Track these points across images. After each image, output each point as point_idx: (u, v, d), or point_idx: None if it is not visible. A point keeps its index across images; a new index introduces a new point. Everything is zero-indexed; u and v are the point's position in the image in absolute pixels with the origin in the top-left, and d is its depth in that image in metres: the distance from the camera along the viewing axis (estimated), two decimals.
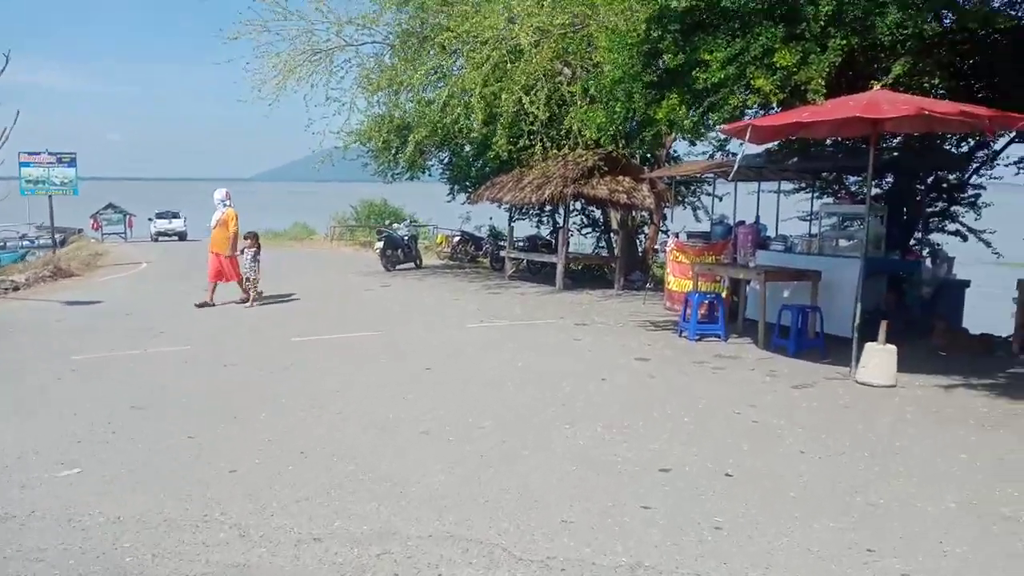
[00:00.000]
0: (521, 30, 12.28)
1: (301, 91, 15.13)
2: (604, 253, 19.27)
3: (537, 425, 5.88)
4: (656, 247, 17.16)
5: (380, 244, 18.87)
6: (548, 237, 19.72)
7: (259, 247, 12.60)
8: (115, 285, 16.67)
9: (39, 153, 21.91)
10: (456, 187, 19.74)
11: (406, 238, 19.67)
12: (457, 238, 22.87)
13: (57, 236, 47.59)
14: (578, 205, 19.62)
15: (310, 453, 5.27)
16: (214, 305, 12.20)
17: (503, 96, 12.86)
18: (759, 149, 11.03)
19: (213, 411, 6.36)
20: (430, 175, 19.70)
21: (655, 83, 9.16)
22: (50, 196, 22.18)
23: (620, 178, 15.18)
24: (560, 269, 15.19)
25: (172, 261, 24.25)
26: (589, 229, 20.43)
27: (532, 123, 13.46)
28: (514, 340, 9.52)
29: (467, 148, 16.62)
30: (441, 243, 23.95)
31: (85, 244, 40.75)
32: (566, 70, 13.55)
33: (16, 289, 15.93)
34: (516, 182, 15.75)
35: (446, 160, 19.67)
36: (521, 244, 19.59)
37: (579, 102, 12.41)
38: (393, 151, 15.75)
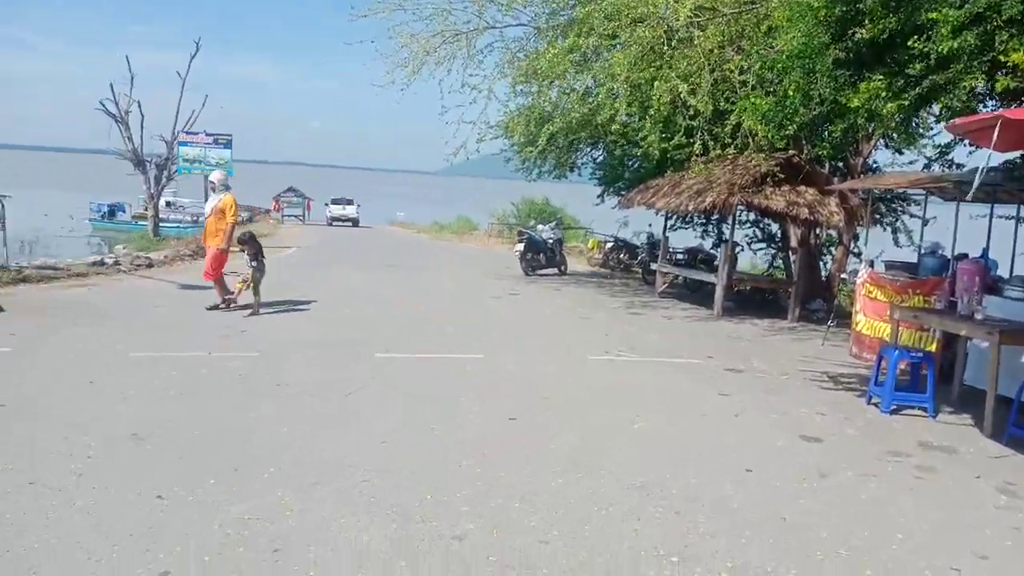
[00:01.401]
0: (682, 7, 10.06)
1: (441, 76, 13.60)
2: (779, 274, 16.52)
3: (626, 561, 3.81)
4: (844, 274, 14.27)
5: (520, 246, 17.16)
6: (711, 251, 17.20)
7: (259, 248, 10.59)
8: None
9: (197, 133, 22.08)
10: (608, 189, 17.64)
11: (550, 241, 17.84)
12: (609, 244, 20.75)
13: (246, 214, 50.58)
14: (751, 216, 16.98)
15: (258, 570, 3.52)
16: (228, 306, 10.51)
17: (656, 84, 10.66)
18: (999, 158, 8.21)
19: (201, 458, 4.80)
20: (579, 175, 17.75)
21: (848, 60, 6.72)
22: (206, 176, 22.31)
23: (801, 188, 12.55)
24: (720, 291, 12.77)
25: (323, 249, 23.82)
26: (763, 245, 17.63)
27: (692, 117, 11.17)
28: (639, 387, 7.39)
29: (619, 146, 14.47)
30: (593, 249, 21.92)
31: (262, 224, 42.51)
32: (737, 57, 11.11)
33: (149, 266, 15.65)
34: (673, 186, 13.49)
35: (599, 159, 17.64)
36: (680, 256, 17.22)
37: (748, 92, 9.97)
38: (538, 147, 13.93)
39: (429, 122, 13.49)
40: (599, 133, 14.14)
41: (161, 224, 29.26)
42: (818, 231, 14.62)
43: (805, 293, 13.34)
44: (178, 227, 36.76)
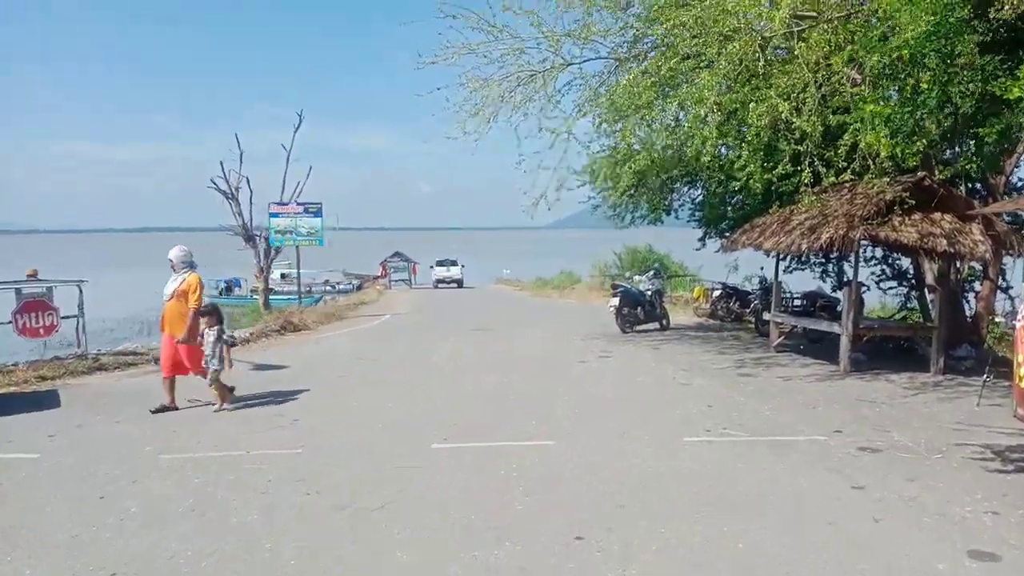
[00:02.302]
0: (777, 14, 8.66)
1: (517, 121, 12.57)
2: (914, 318, 14.42)
3: None
4: (995, 314, 12.14)
5: (615, 301, 15.77)
6: (833, 294, 15.26)
7: (222, 322, 8.88)
8: (327, 344, 15.37)
9: (287, 203, 22.04)
10: (709, 231, 16.06)
11: (648, 293, 16.37)
12: (717, 292, 19.02)
13: (356, 282, 51.61)
14: (877, 252, 15.00)
15: None
16: (176, 408, 8.73)
17: (752, 106, 9.22)
18: None
19: None
20: (677, 217, 16.27)
21: (998, 40, 5.15)
22: (297, 247, 22.20)
23: (936, 216, 10.68)
24: (845, 343, 10.95)
25: (417, 314, 23.17)
26: (893, 284, 15.51)
27: (798, 141, 9.63)
28: (747, 483, 5.86)
29: (717, 182, 12.96)
30: (699, 298, 20.21)
31: (371, 290, 43.00)
32: (849, 71, 9.52)
33: (232, 345, 15.18)
34: (782, 223, 11.87)
35: (697, 199, 16.13)
36: (796, 303, 15.37)
37: (865, 104, 8.35)
38: (620, 188, 12.68)
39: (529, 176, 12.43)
40: (693, 169, 12.74)
41: (273, 296, 30.01)
42: (959, 264, 12.57)
43: (948, 338, 11.32)
44: (287, 299, 37.52)
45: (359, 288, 46.37)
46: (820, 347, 12.75)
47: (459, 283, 45.62)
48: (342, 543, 4.75)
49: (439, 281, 45.72)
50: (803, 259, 16.20)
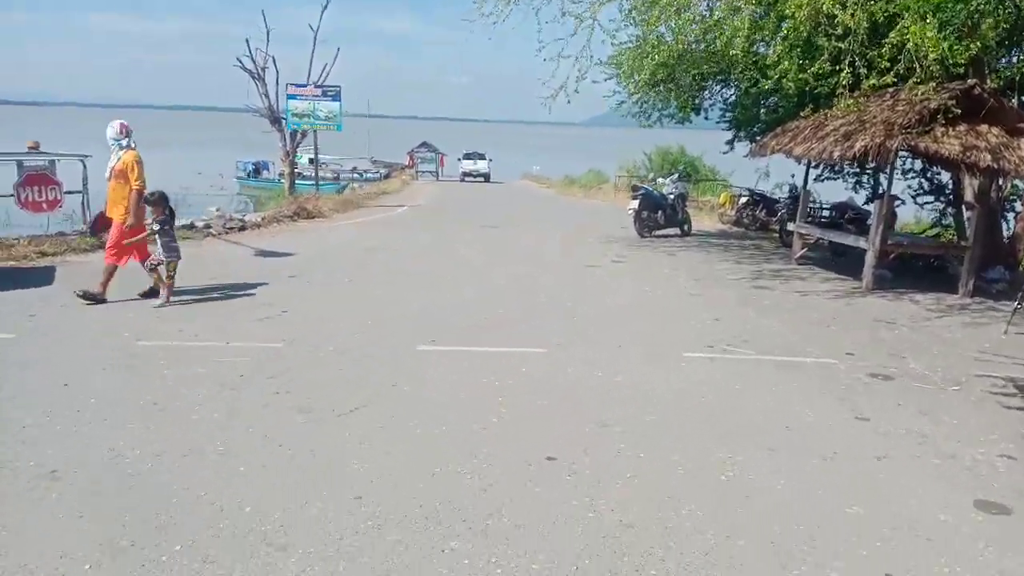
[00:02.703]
0: None
1: (540, 4, 11.65)
2: (948, 236, 13.68)
3: None
4: None
5: (634, 204, 15.12)
6: (864, 207, 14.49)
7: (171, 214, 8.27)
8: (340, 233, 15.03)
9: (305, 86, 21.26)
10: (739, 134, 15.19)
11: (671, 197, 15.68)
12: (744, 199, 18.24)
13: (384, 171, 51.07)
14: (916, 164, 14.13)
15: None
16: (104, 300, 7.99)
17: None
18: None
19: (112, 510, 3.45)
20: (706, 118, 15.36)
21: None
22: (315, 131, 21.59)
23: (983, 128, 9.82)
24: (870, 259, 10.34)
25: (436, 207, 22.70)
26: (930, 199, 14.67)
27: (840, 38, 8.75)
28: (742, 406, 5.47)
29: (749, 80, 12.01)
30: (725, 204, 19.44)
31: (397, 179, 42.48)
32: None
33: (242, 229, 14.91)
34: (815, 129, 11.06)
35: (730, 99, 15.18)
36: (825, 214, 14.66)
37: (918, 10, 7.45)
38: (641, 79, 11.84)
39: (549, 65, 11.63)
40: (726, 66, 11.82)
41: (300, 181, 29.55)
42: (1001, 182, 11.74)
43: (982, 259, 10.66)
44: (313, 184, 37.13)
45: (386, 177, 45.72)
46: (845, 261, 12.14)
47: (486, 177, 44.87)
48: (299, 449, 4.46)
49: (466, 174, 45.01)
50: (837, 168, 15.36)
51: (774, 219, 17.24)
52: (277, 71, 22.58)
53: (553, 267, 11.12)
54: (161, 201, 8.19)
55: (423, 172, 49.06)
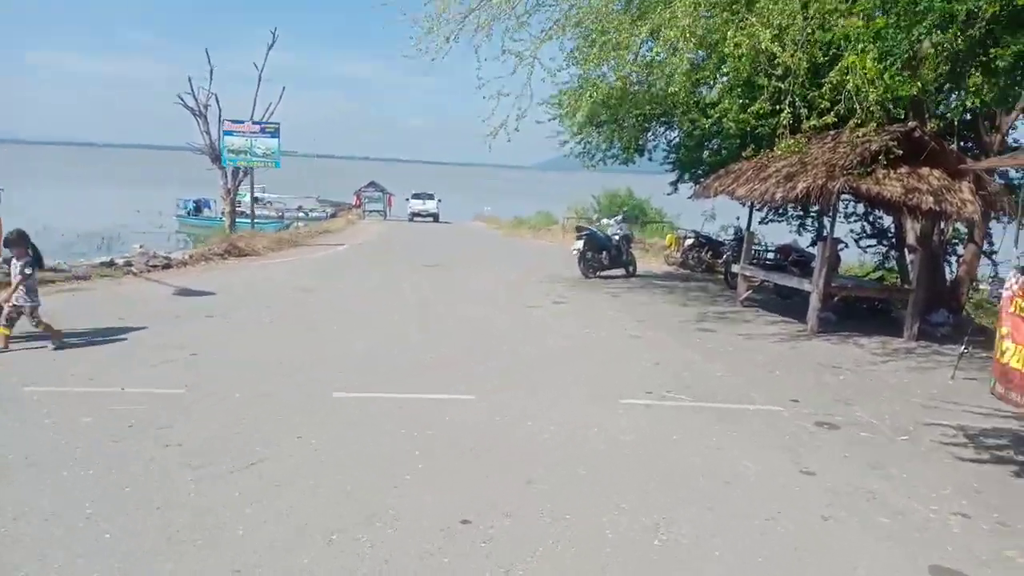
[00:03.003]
0: None
1: (480, 42, 11.36)
2: (891, 278, 13.66)
3: None
4: (978, 280, 11.37)
5: (579, 244, 14.82)
6: (808, 249, 14.43)
7: (36, 254, 7.49)
8: (271, 271, 14.39)
9: (243, 122, 20.73)
10: (683, 176, 15.09)
11: (616, 238, 15.44)
12: (690, 240, 18.13)
13: (330, 210, 50.34)
14: (860, 208, 14.16)
15: None
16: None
17: (731, 35, 8.16)
18: None
19: None
20: (650, 159, 15.25)
21: None
22: (251, 169, 21.00)
23: (924, 171, 9.79)
24: (814, 301, 10.15)
25: (377, 246, 22.14)
26: (872, 242, 14.69)
27: (781, 78, 8.61)
28: (680, 459, 5.06)
29: (689, 121, 11.86)
30: (671, 246, 19.32)
31: (342, 219, 41.81)
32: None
33: (166, 267, 14.18)
34: (758, 170, 10.95)
35: (674, 140, 15.11)
36: (770, 256, 14.54)
37: (859, 38, 7.31)
38: (577, 120, 11.64)
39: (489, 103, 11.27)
40: (669, 106, 11.66)
41: (242, 220, 28.85)
42: (943, 225, 11.73)
43: (925, 303, 10.56)
44: (255, 223, 36.30)
45: (332, 216, 45.11)
46: (790, 304, 11.97)
47: (435, 217, 44.51)
48: (179, 512, 3.90)
49: (414, 214, 44.58)
50: (781, 211, 15.36)
51: (720, 261, 17.14)
52: (220, 109, 22.26)
53: (494, 308, 10.67)
54: (21, 240, 7.40)
55: (371, 212, 48.57)
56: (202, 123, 22.69)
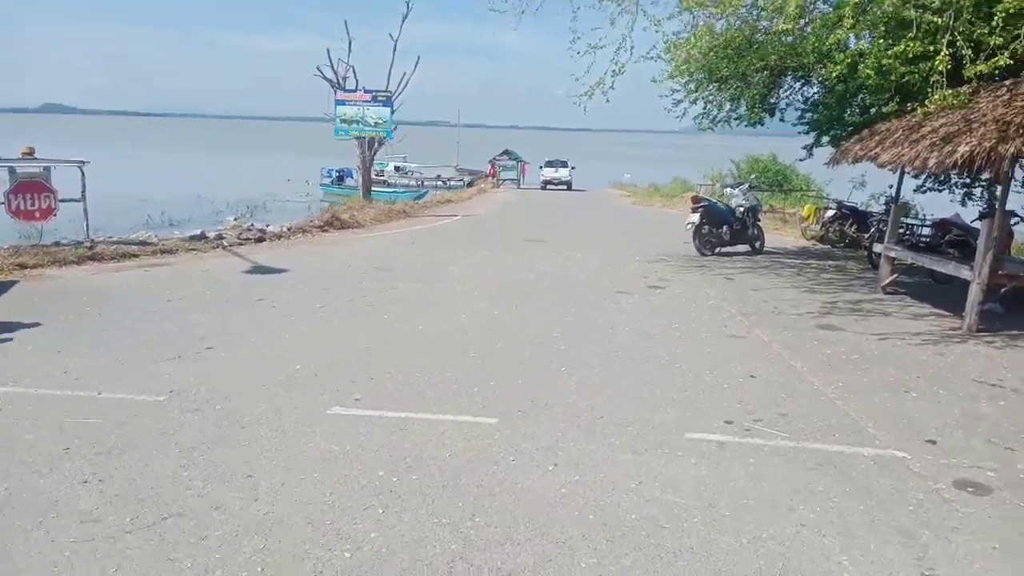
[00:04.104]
0: None
1: None
2: None
3: None
4: None
5: (694, 218, 13.11)
6: (973, 224, 12.02)
7: None
8: (362, 246, 13.67)
9: (355, 90, 20.15)
10: (821, 139, 12.95)
11: (740, 210, 13.58)
12: (831, 211, 15.85)
13: (467, 178, 50.53)
14: None
15: None
16: None
17: None
18: None
19: None
20: (782, 119, 13.20)
21: None
22: (365, 137, 20.42)
23: None
24: (974, 292, 8.10)
25: (492, 218, 21.09)
26: None
27: (938, 11, 6.67)
28: (738, 542, 3.61)
29: (826, 73, 9.86)
30: (808, 217, 17.06)
31: (475, 188, 41.58)
32: None
33: (259, 240, 13.77)
34: (909, 131, 8.90)
35: (812, 98, 12.97)
36: (926, 233, 12.27)
37: None
38: (688, 68, 9.96)
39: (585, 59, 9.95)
40: (799, 54, 9.76)
41: (380, 190, 29.16)
42: None
43: None
44: (392, 192, 36.50)
45: (469, 185, 45.00)
46: (947, 291, 9.86)
47: (567, 185, 43.37)
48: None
49: (546, 182, 43.68)
50: (942, 178, 12.95)
51: (867, 235, 14.86)
52: (357, 80, 22.14)
53: (575, 296, 9.30)
54: None
55: (505, 180, 48.09)
56: (340, 94, 22.76)
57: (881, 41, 7.29)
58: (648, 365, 6.34)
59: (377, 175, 45.21)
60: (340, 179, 41.59)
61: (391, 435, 4.64)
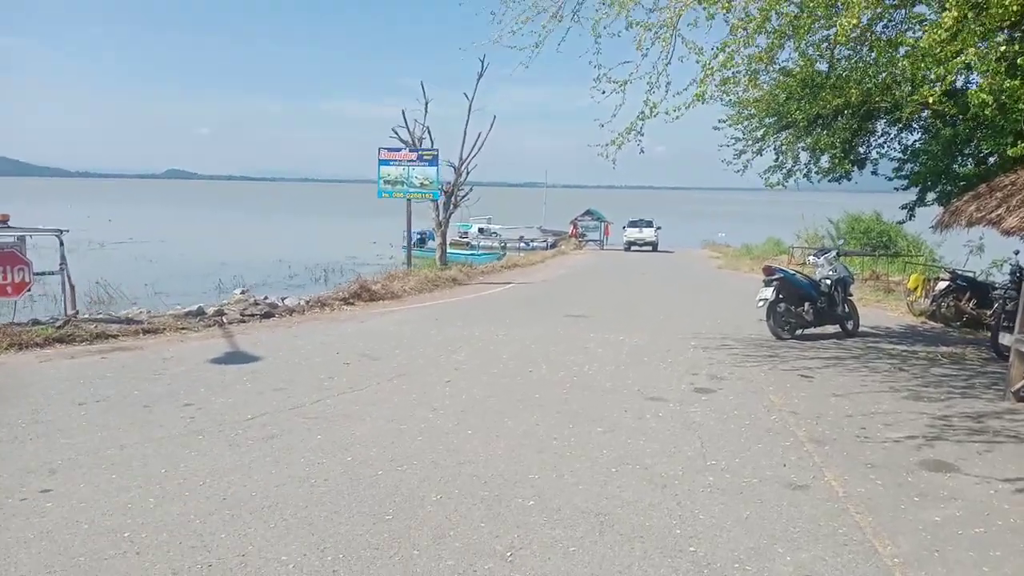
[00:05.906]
0: None
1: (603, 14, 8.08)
2: None
3: None
4: None
5: (766, 293, 10.76)
6: None
7: None
8: (368, 325, 11.94)
9: (399, 150, 18.81)
10: (925, 196, 10.49)
11: (826, 283, 11.16)
12: (943, 283, 13.14)
13: (550, 239, 49.26)
14: None
15: None
16: None
17: None
18: None
19: None
20: (874, 172, 10.82)
21: None
22: (409, 200, 18.98)
23: None
24: None
25: (548, 288, 19.15)
26: None
27: None
28: None
29: (925, 99, 7.56)
30: (915, 289, 14.34)
31: (555, 250, 40.10)
32: None
33: (267, 316, 12.22)
34: None
35: (913, 145, 10.58)
36: None
37: None
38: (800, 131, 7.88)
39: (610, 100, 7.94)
40: (881, 94, 7.56)
41: (456, 251, 28.40)
42: None
43: None
44: (470, 254, 35.35)
45: (553, 246, 43.64)
46: None
47: (653, 246, 41.13)
48: None
49: (630, 243, 41.61)
50: None
51: (988, 313, 12.13)
52: (432, 140, 21.57)
53: (589, 399, 7.16)
54: None
55: (589, 241, 46.53)
56: None
57: (998, 49, 5.08)
58: (640, 548, 4.16)
59: (461, 236, 44.45)
60: (422, 241, 41.07)
61: None
